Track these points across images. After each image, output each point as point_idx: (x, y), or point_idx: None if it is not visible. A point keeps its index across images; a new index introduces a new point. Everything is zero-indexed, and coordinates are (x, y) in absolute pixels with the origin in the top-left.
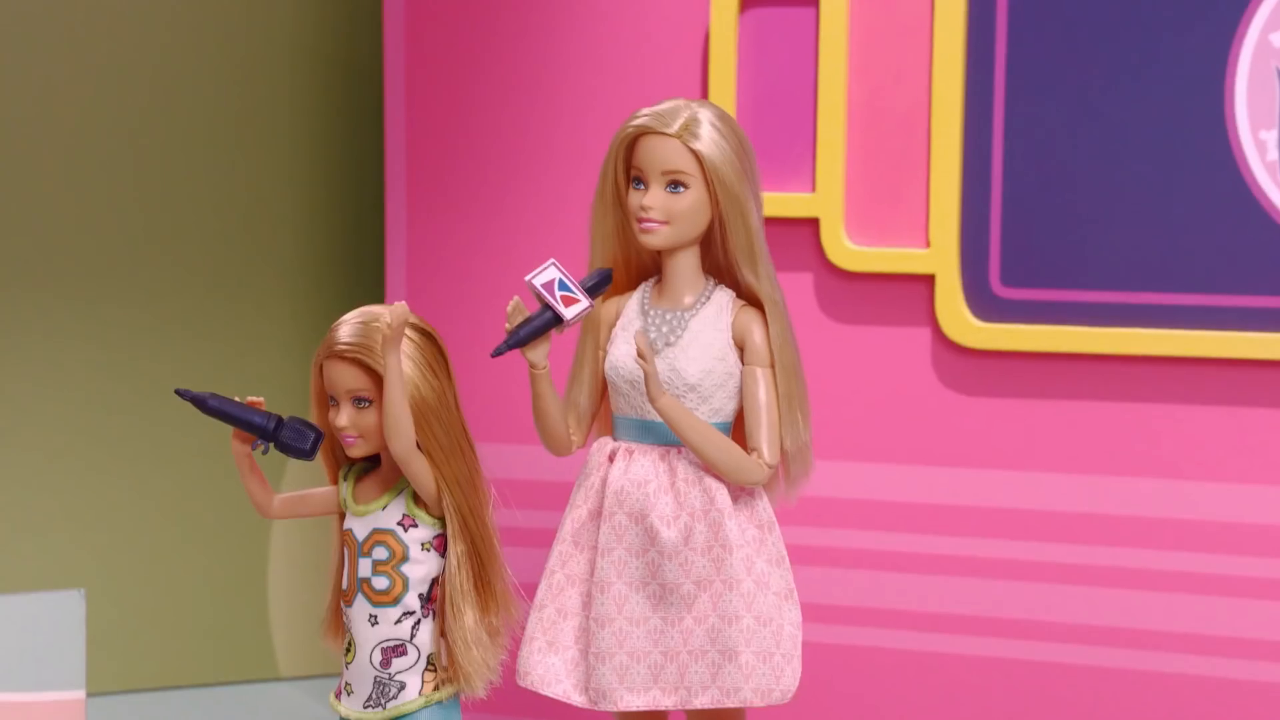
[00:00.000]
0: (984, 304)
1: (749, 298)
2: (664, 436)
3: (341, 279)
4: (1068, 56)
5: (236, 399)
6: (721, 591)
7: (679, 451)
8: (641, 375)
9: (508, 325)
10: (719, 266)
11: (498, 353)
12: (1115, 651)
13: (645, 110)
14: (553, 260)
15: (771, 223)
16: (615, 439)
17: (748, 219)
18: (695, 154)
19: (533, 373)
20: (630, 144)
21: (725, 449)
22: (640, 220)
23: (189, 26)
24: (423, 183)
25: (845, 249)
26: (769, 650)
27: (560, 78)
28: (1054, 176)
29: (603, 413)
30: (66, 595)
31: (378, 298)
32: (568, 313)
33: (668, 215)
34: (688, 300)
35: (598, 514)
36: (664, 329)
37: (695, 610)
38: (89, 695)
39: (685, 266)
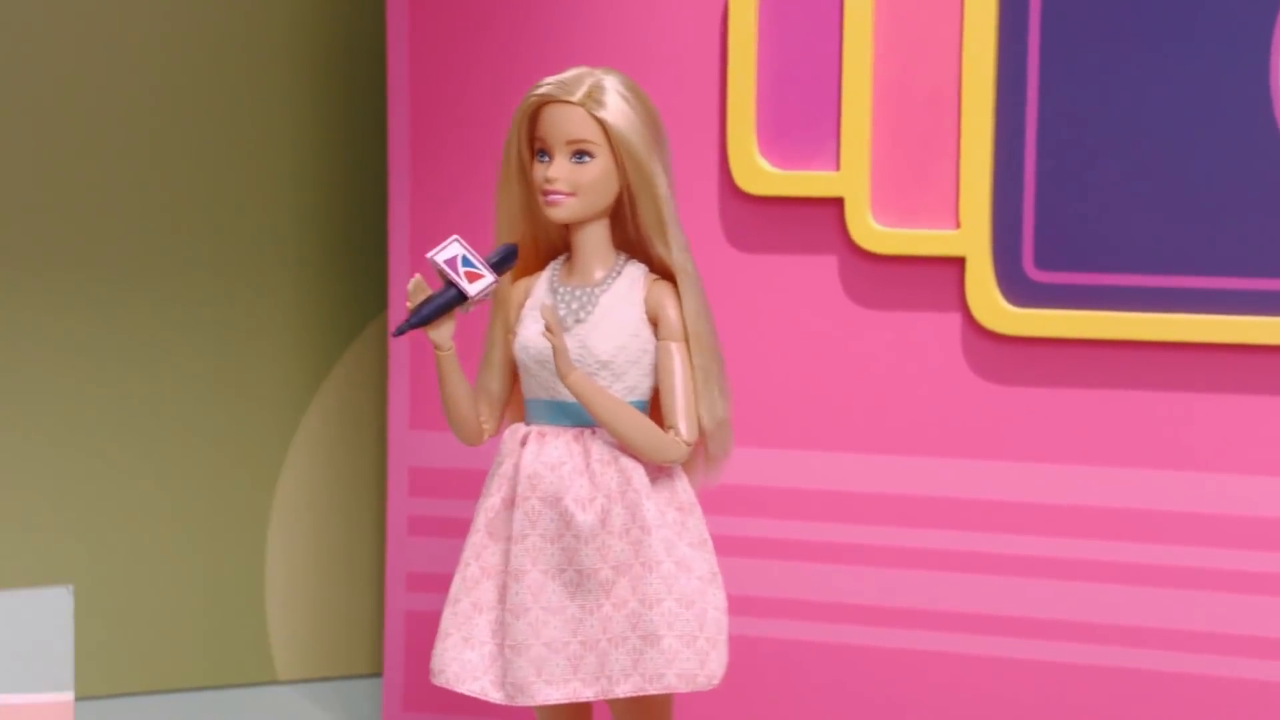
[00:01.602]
0: (1017, 288)
1: (661, 271)
2: (578, 417)
3: (344, 266)
4: (1105, 29)
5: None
6: (641, 575)
7: (593, 432)
8: (551, 352)
9: (409, 304)
10: (630, 240)
11: (399, 331)
12: (1163, 654)
13: (548, 79)
14: (455, 236)
15: (794, 202)
16: (527, 423)
17: (656, 189)
18: (600, 122)
19: (438, 355)
20: (533, 115)
21: (640, 426)
22: (545, 193)
23: (189, 12)
24: (427, 167)
25: (871, 230)
26: (693, 634)
27: (569, 56)
28: (1090, 154)
29: (515, 398)
30: (53, 592)
31: (381, 284)
32: (472, 289)
33: (574, 186)
34: (598, 275)
35: (511, 501)
36: (574, 305)
37: (614, 596)
38: (77, 698)
39: (594, 241)
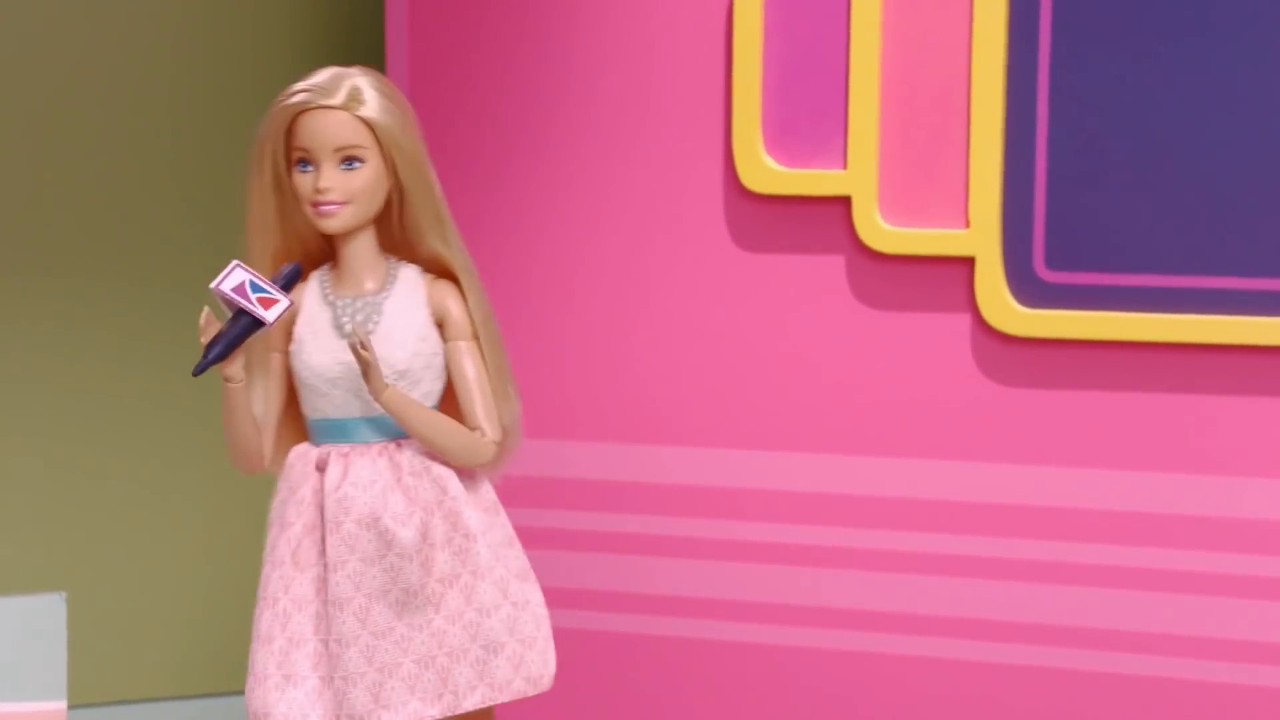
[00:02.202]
0: (1028, 288)
1: (436, 270)
2: (380, 431)
3: None
4: (1117, 23)
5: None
6: (472, 584)
7: (398, 445)
8: (349, 371)
9: (201, 339)
10: (395, 242)
11: (200, 370)
12: (1183, 662)
13: (299, 85)
14: (236, 262)
15: (800, 201)
16: (316, 444)
17: (433, 186)
18: (368, 124)
19: (230, 387)
20: (290, 123)
21: (454, 432)
22: (317, 204)
23: (186, 10)
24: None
25: (879, 229)
26: (531, 635)
27: (570, 52)
28: (1102, 151)
29: (289, 421)
30: (46, 599)
31: None
32: (269, 314)
33: (347, 195)
34: (372, 284)
35: (316, 527)
36: (358, 318)
37: (445, 609)
38: (70, 707)
39: (364, 247)
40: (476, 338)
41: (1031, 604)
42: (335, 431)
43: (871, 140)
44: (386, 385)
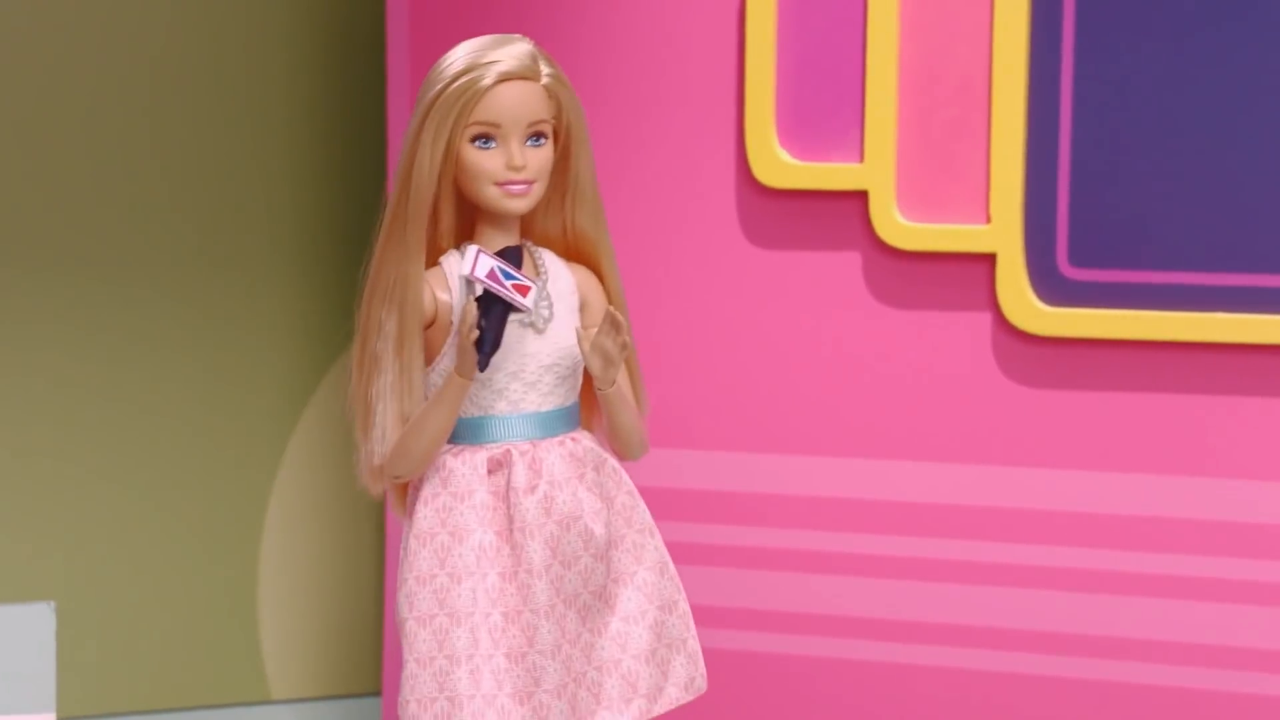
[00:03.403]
0: (1051, 286)
1: (566, 253)
2: (560, 424)
3: (342, 263)
4: (1143, 11)
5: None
6: (652, 580)
7: (573, 439)
8: (531, 362)
9: (469, 334)
10: (531, 222)
11: (485, 367)
12: (1217, 673)
13: (487, 51)
14: (477, 247)
15: (816, 196)
16: (474, 443)
17: (593, 162)
18: (554, 96)
19: (459, 383)
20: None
21: (641, 424)
22: (506, 184)
23: (185, 6)
24: None
25: (897, 225)
26: (694, 635)
27: (577, 42)
28: (1128, 144)
29: None
30: (35, 609)
31: None
32: (529, 301)
33: (537, 172)
34: (530, 268)
35: (501, 532)
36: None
37: (622, 609)
38: (59, 719)
39: (516, 231)
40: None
41: (1060, 613)
42: (507, 428)
43: (889, 133)
44: (616, 377)
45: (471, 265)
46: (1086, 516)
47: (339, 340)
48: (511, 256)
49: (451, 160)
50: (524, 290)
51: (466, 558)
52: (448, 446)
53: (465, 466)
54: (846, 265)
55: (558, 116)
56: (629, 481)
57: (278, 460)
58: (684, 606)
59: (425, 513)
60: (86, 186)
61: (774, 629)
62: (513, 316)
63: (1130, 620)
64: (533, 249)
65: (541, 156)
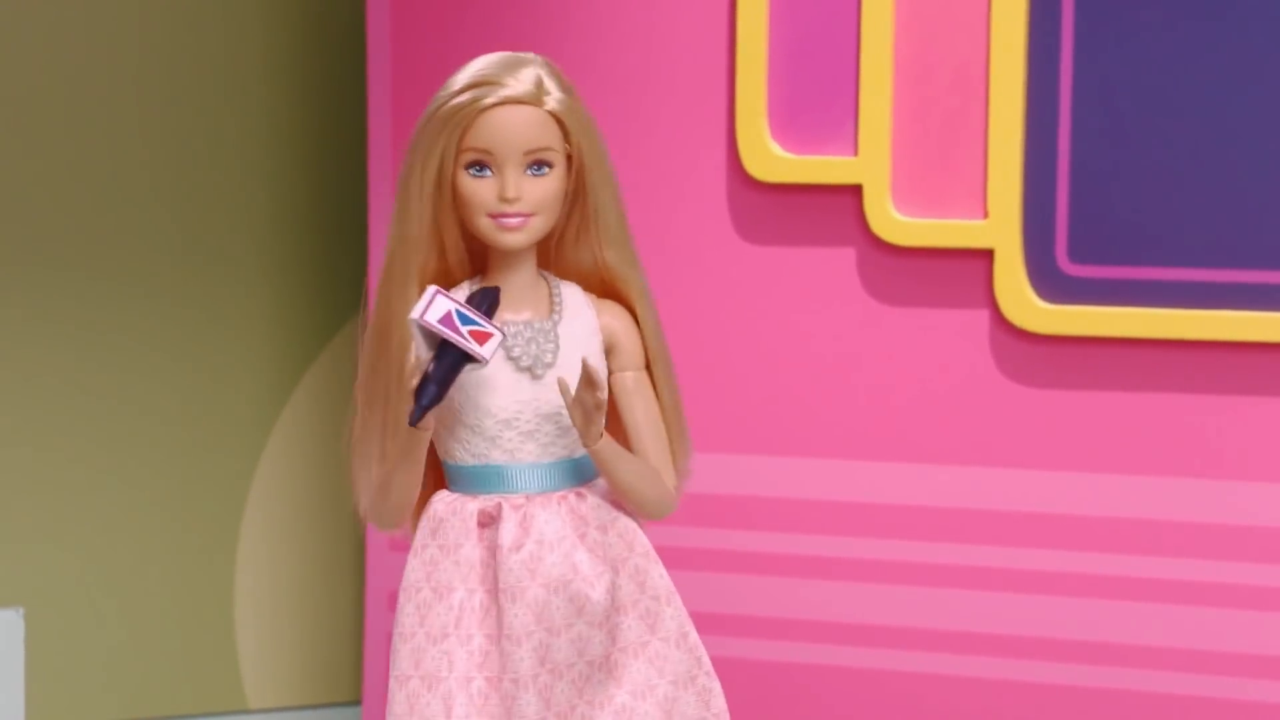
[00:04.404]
0: (1049, 282)
1: (596, 289)
2: (560, 478)
3: (320, 262)
4: (1144, 3)
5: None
6: (665, 651)
7: (579, 494)
8: (527, 410)
9: (410, 382)
10: (551, 254)
11: (418, 419)
12: (1226, 681)
13: (481, 72)
14: (435, 289)
15: (809, 190)
16: (468, 493)
17: (618, 191)
18: (559, 121)
19: (418, 435)
20: (470, 120)
21: (655, 482)
22: (499, 216)
23: (164, 2)
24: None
25: (892, 220)
26: (721, 707)
27: (563, 36)
28: (1129, 138)
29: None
30: (2, 615)
31: (359, 280)
32: (485, 350)
33: (536, 205)
34: (538, 306)
35: (486, 593)
36: (532, 347)
37: (630, 681)
38: None
39: (530, 264)
40: (649, 368)
41: (1057, 618)
42: (501, 479)
43: (884, 126)
44: (602, 433)
45: (423, 308)
46: (1086, 519)
47: (318, 339)
48: (484, 299)
49: (446, 187)
50: (484, 338)
51: (444, 618)
52: (445, 494)
53: (455, 517)
54: (840, 261)
55: (568, 143)
56: (645, 543)
57: (254, 463)
58: (704, 681)
59: (413, 564)
60: (66, 183)
61: (764, 635)
62: (469, 367)
63: (1129, 626)
64: (554, 283)
65: (543, 187)
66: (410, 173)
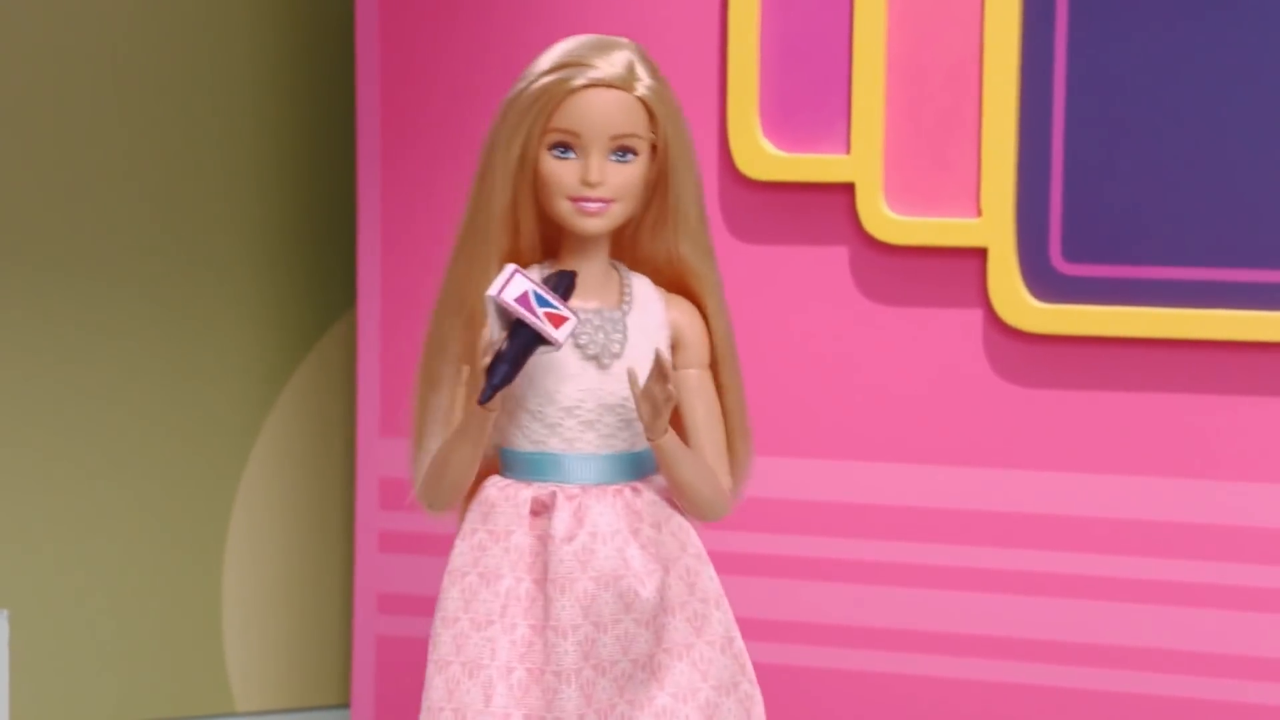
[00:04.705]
0: (1044, 281)
1: (666, 282)
2: (618, 471)
3: (309, 259)
4: (1138, 0)
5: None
6: (711, 656)
7: (634, 489)
8: (591, 398)
9: (483, 360)
10: (625, 244)
11: (488, 398)
12: (1221, 683)
13: (572, 52)
14: (514, 267)
15: (801, 188)
16: (523, 480)
17: (699, 187)
18: (647, 107)
19: (484, 413)
20: (559, 100)
21: (714, 483)
22: (580, 200)
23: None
24: (397, 153)
25: (885, 218)
26: (761, 716)
27: (549, 33)
28: (1124, 135)
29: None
30: None
31: (349, 277)
32: (559, 334)
33: (618, 191)
34: (607, 295)
35: (534, 582)
36: (599, 336)
37: (673, 683)
38: None
39: (603, 253)
40: (714, 367)
41: (1052, 621)
42: (558, 468)
43: (877, 123)
44: (668, 427)
45: (500, 285)
46: (1080, 520)
47: (307, 338)
48: (560, 282)
49: (529, 167)
50: (559, 321)
51: (491, 604)
52: (498, 479)
53: (508, 503)
54: (832, 260)
55: (655, 131)
56: (697, 544)
57: (242, 464)
58: (746, 688)
59: (461, 549)
60: (50, 183)
61: (753, 637)
62: (541, 349)
63: (1124, 627)
64: (625, 274)
65: (626, 174)
66: (493, 150)
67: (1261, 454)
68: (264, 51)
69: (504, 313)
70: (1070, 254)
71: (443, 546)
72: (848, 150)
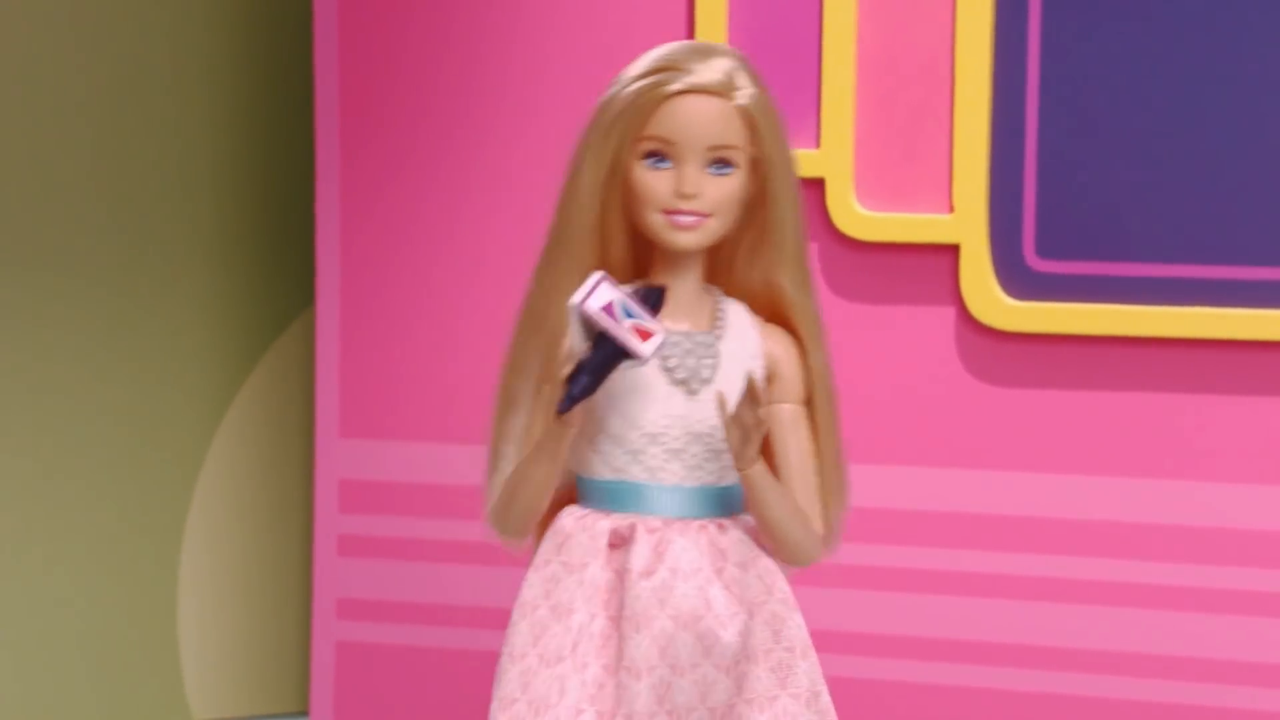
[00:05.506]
0: (1017, 279)
1: (764, 311)
2: (703, 505)
3: (266, 256)
4: None
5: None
6: (795, 710)
7: (720, 526)
8: (678, 425)
9: (563, 370)
10: (718, 267)
11: (568, 408)
12: (1191, 687)
13: (668, 56)
14: (601, 274)
15: None
16: (603, 510)
17: (800, 208)
18: (748, 119)
19: (562, 432)
20: (652, 108)
21: (805, 524)
22: (673, 213)
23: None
24: (356, 150)
25: (855, 214)
26: None
27: (511, 28)
28: (1098, 130)
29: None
30: None
31: (307, 275)
32: (646, 348)
33: (714, 205)
34: (698, 318)
35: (609, 619)
36: (689, 360)
37: None
38: None
39: (697, 272)
40: (809, 403)
41: (1024, 624)
42: (640, 499)
43: (847, 117)
44: (758, 457)
45: (585, 294)
46: (1057, 522)
47: (264, 337)
48: (649, 295)
49: (620, 177)
50: (646, 335)
51: (562, 640)
52: (575, 509)
53: (585, 534)
54: None
55: (755, 145)
56: (785, 588)
57: (197, 466)
58: None
59: (533, 580)
60: (5, 179)
61: None
62: (625, 363)
63: (1103, 631)
64: (720, 298)
65: (724, 187)
66: (583, 156)
67: (1240, 453)
68: (221, 48)
69: (588, 323)
70: (1044, 250)
71: (404, 550)
72: (818, 145)
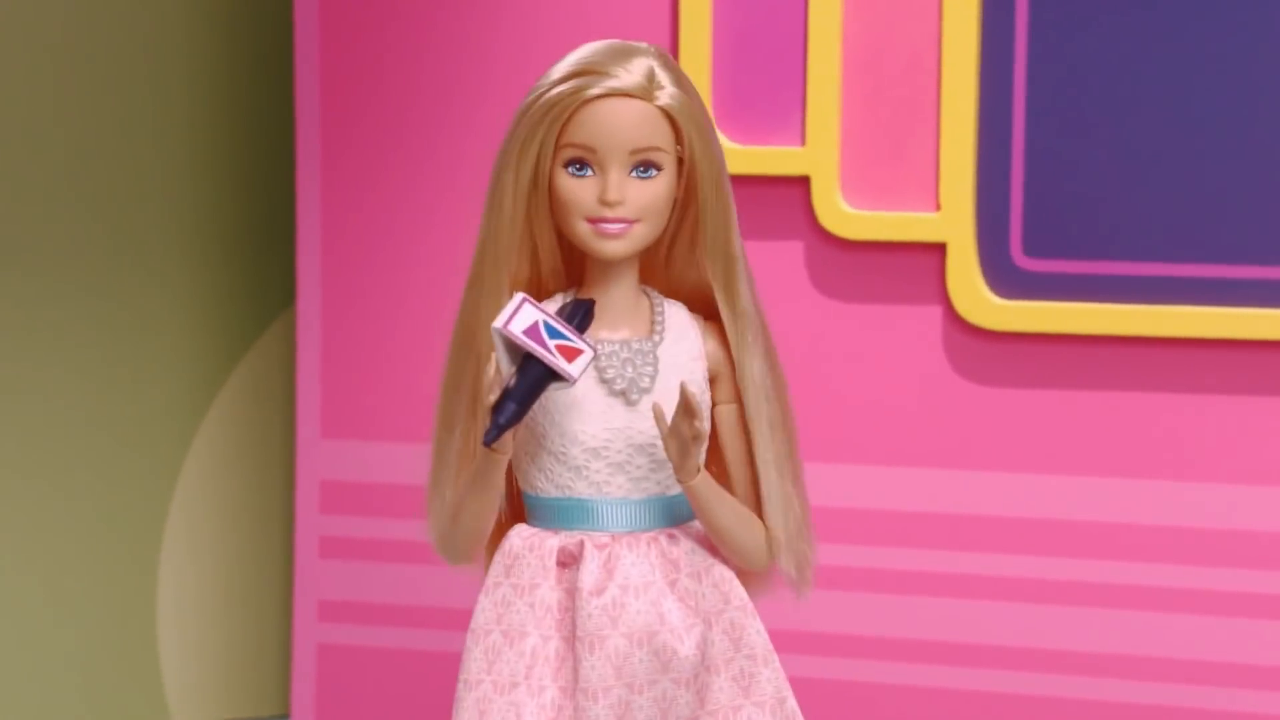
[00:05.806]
0: (1004, 277)
1: (704, 310)
2: (650, 517)
3: (247, 256)
4: None
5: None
6: (760, 718)
7: (671, 536)
8: (619, 438)
9: (488, 397)
10: (652, 270)
11: (494, 438)
12: (1179, 688)
13: (587, 59)
14: (522, 296)
15: (755, 181)
16: (549, 528)
17: (731, 205)
18: (671, 119)
19: (494, 458)
20: (569, 113)
21: (755, 528)
22: (598, 221)
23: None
24: (337, 149)
25: (841, 213)
26: None
27: (495, 28)
28: (1085, 129)
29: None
30: None
31: (288, 274)
32: (573, 368)
33: (640, 210)
34: (636, 325)
35: (562, 640)
36: (628, 370)
37: None
38: None
39: (631, 279)
40: (740, 403)
41: (1010, 625)
42: (585, 515)
43: (832, 115)
44: (699, 467)
45: (507, 317)
46: (1044, 522)
47: (245, 337)
48: (575, 311)
49: (542, 186)
50: (573, 354)
51: (515, 665)
52: (523, 527)
53: (533, 554)
54: (787, 255)
55: (679, 145)
56: (742, 595)
57: (177, 467)
58: None
59: (484, 604)
60: None
61: None
62: (553, 385)
63: (1085, 632)
64: (657, 301)
65: (649, 191)
66: (504, 167)
67: (1226, 453)
68: (202, 48)
69: (512, 346)
70: (1031, 249)
71: (385, 552)
72: (803, 142)
